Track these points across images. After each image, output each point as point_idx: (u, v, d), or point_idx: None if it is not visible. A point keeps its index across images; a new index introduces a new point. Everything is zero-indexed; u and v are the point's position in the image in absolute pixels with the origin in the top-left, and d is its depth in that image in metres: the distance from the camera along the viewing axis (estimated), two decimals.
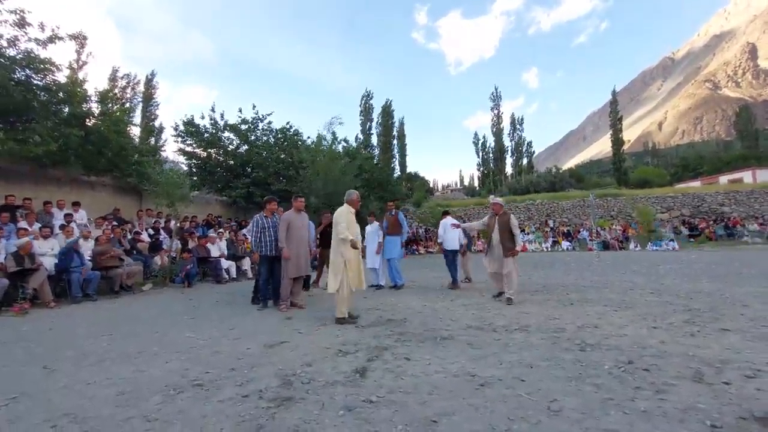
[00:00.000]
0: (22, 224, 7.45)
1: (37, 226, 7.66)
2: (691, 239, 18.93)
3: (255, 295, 6.39)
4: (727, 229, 19.25)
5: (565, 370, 2.77)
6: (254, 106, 17.57)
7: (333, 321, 4.66)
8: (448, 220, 7.62)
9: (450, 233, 7.47)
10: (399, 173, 36.55)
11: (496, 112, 47.56)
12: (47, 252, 7.09)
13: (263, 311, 5.61)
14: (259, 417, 2.19)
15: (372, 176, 19.22)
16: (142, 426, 2.13)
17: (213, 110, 16.70)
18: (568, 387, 2.48)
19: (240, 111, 17.21)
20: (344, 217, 4.82)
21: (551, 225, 23.24)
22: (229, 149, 17.20)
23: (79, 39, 11.43)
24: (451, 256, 7.49)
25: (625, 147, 46.40)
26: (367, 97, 40.18)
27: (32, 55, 9.40)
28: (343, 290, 4.65)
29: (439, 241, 7.95)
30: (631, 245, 18.09)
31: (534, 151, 52.12)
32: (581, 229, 21.37)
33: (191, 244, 9.87)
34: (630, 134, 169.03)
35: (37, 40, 9.58)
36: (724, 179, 34.82)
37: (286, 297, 5.61)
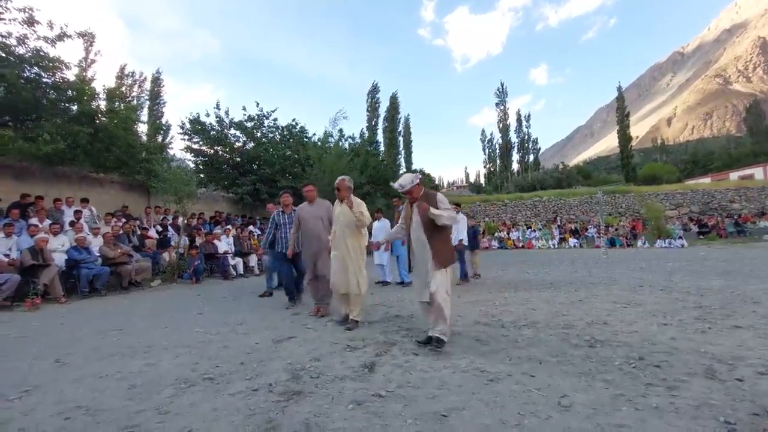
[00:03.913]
0: (33, 221, 7.57)
1: (47, 222, 7.77)
2: (701, 236, 18.70)
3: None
4: (737, 226, 18.97)
5: (575, 366, 2.75)
6: (258, 104, 17.57)
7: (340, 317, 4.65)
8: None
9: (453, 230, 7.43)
10: (405, 170, 36.50)
11: (502, 108, 47.39)
12: (57, 248, 7.20)
13: (266, 308, 5.59)
14: (270, 410, 2.20)
15: (377, 173, 19.18)
16: (154, 418, 2.15)
17: (218, 108, 16.73)
18: (579, 383, 2.47)
19: (244, 109, 17.22)
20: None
21: (558, 222, 23.09)
22: (235, 146, 17.23)
23: (88, 37, 11.49)
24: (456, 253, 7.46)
25: (634, 143, 46.00)
26: (374, 90, 40.08)
27: (41, 53, 9.46)
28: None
29: None
30: (639, 242, 17.92)
31: (540, 148, 51.90)
32: (588, 226, 21.22)
33: (198, 241, 9.94)
34: (638, 130, 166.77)
35: (45, 38, 9.64)
36: (734, 175, 34.30)
37: (316, 297, 5.10)
